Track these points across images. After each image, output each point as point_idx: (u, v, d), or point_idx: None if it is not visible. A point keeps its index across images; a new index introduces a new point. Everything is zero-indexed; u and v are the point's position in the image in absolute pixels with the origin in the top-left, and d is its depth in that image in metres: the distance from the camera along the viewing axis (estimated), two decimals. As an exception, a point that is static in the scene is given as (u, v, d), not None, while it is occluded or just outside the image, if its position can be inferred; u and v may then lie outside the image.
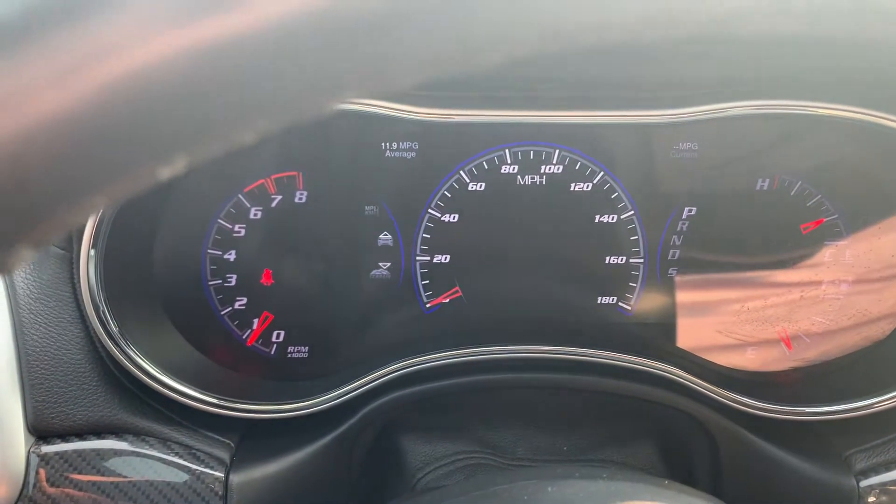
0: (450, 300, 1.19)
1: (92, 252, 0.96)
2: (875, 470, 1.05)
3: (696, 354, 1.18)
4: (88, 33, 0.25)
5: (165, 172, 0.27)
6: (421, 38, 0.26)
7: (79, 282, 0.98)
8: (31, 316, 0.97)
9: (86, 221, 0.96)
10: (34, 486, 0.96)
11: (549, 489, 0.74)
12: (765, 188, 1.14)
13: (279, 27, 0.26)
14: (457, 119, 1.07)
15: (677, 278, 1.18)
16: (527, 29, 0.28)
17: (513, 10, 0.27)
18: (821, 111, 1.03)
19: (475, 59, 0.29)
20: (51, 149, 0.25)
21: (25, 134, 0.25)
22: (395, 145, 1.13)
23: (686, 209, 1.15)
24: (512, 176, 1.14)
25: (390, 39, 0.26)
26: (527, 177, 1.15)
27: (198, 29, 0.25)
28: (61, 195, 0.26)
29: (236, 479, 1.00)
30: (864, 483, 1.04)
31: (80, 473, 0.97)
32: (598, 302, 1.19)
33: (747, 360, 1.19)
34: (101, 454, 0.99)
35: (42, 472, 0.97)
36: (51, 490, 0.96)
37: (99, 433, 1.00)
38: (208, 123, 0.27)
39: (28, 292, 0.97)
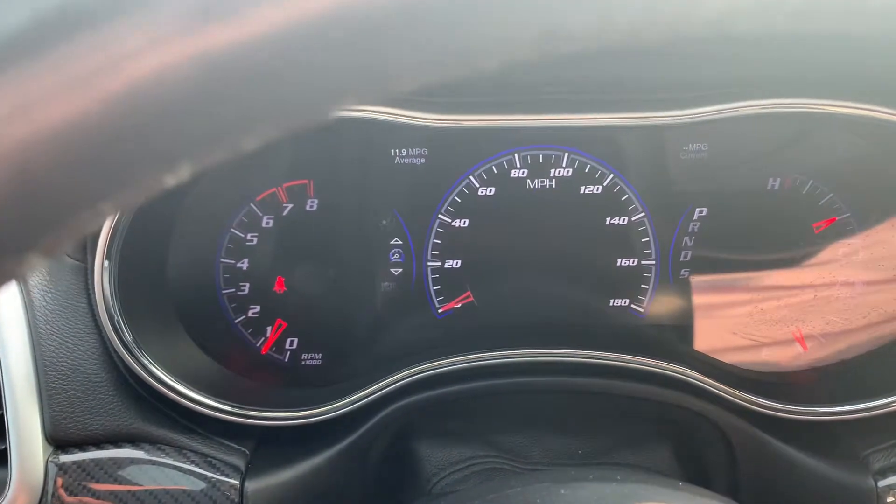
0: (462, 305, 1.19)
1: (106, 263, 0.97)
2: (894, 469, 1.04)
3: (711, 355, 1.18)
4: (96, 43, 0.26)
5: (171, 180, 0.28)
6: (433, 39, 0.27)
7: (93, 292, 0.98)
8: (48, 327, 0.98)
9: (95, 229, 0.97)
10: (52, 494, 0.97)
11: (563, 491, 0.73)
12: (776, 187, 1.14)
13: (283, 34, 0.26)
14: (465, 124, 1.07)
15: (690, 279, 1.17)
16: (530, 32, 0.28)
17: (516, 12, 0.27)
18: (831, 109, 1.02)
19: (476, 63, 0.29)
20: (57, 157, 0.26)
21: (33, 143, 0.25)
22: (404, 152, 1.13)
23: (697, 210, 1.15)
24: (521, 180, 1.15)
25: (397, 42, 0.27)
26: (536, 181, 1.15)
27: (205, 37, 0.26)
28: (68, 203, 0.27)
29: (252, 486, 1.00)
30: (882, 483, 1.02)
31: (97, 482, 0.98)
32: (611, 304, 1.18)
33: (762, 361, 1.19)
34: (118, 463, 0.99)
35: (60, 480, 0.97)
36: (68, 499, 0.97)
37: (115, 442, 1.01)
38: (213, 131, 0.27)
39: (44, 303, 0.99)
